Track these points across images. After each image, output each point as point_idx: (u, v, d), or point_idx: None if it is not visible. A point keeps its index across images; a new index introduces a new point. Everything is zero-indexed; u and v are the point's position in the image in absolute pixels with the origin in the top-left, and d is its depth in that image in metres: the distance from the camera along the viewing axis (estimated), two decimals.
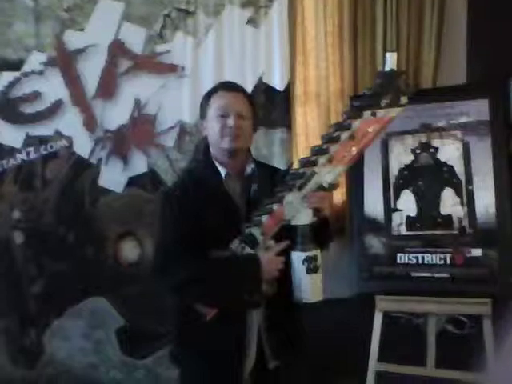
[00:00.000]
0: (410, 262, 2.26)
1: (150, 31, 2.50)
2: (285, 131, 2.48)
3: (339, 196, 2.83)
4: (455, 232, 2.23)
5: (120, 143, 2.52)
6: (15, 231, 2.60)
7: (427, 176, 2.29)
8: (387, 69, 1.43)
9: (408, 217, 2.29)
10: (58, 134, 2.55)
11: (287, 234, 1.43)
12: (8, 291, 2.60)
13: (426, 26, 2.58)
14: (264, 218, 1.41)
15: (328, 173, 1.40)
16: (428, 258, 2.24)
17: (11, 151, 2.56)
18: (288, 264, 1.44)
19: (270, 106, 2.46)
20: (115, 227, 2.54)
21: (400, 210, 2.31)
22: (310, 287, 1.42)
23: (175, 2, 2.49)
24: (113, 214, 2.54)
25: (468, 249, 2.20)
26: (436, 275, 2.23)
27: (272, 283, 1.44)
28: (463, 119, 2.30)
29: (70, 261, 2.57)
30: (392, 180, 2.34)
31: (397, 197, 2.32)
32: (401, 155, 2.35)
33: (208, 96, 1.54)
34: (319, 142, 2.79)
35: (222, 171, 1.50)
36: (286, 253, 1.44)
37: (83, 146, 2.54)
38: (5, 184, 2.59)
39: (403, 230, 2.29)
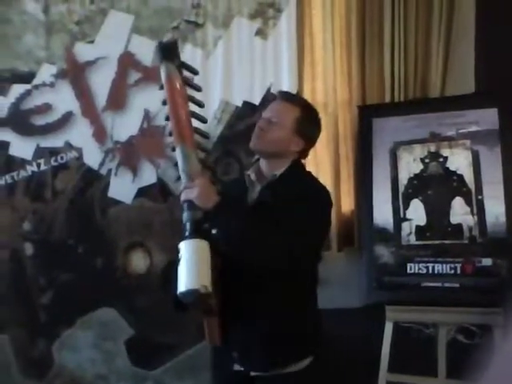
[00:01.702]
0: (420, 271, 2.25)
1: None
2: None
3: (348, 206, 2.83)
4: (465, 241, 2.22)
5: (129, 154, 2.54)
6: (25, 242, 2.62)
7: (437, 185, 2.29)
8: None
9: (417, 226, 2.29)
10: (68, 146, 2.57)
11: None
12: (18, 302, 2.61)
13: (434, 35, 2.58)
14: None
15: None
16: (438, 268, 2.23)
17: (22, 163, 2.59)
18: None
19: None
20: (124, 238, 2.55)
21: (409, 220, 2.30)
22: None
23: (184, 14, 2.51)
24: (122, 224, 2.55)
25: (478, 258, 2.19)
26: (446, 285, 2.22)
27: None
28: (472, 128, 2.30)
29: (80, 272, 2.58)
30: (401, 189, 2.34)
31: (406, 206, 2.32)
32: (410, 164, 2.35)
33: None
34: (327, 153, 2.81)
35: (251, 173, 1.58)
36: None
37: (93, 157, 2.56)
38: (15, 195, 2.61)
39: (413, 240, 2.29)
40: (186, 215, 1.41)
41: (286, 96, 1.61)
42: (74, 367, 2.60)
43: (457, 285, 2.20)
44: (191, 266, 1.32)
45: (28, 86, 2.59)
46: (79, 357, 2.59)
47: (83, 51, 2.56)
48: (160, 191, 2.52)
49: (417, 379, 2.23)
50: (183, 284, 1.30)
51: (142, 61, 2.53)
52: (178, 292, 1.31)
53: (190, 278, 1.31)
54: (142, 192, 2.54)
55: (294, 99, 1.62)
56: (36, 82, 2.58)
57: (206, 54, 2.50)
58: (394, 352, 2.26)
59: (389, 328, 2.26)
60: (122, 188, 2.54)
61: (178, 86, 1.49)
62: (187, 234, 1.38)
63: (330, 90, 2.72)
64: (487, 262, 2.18)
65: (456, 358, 2.25)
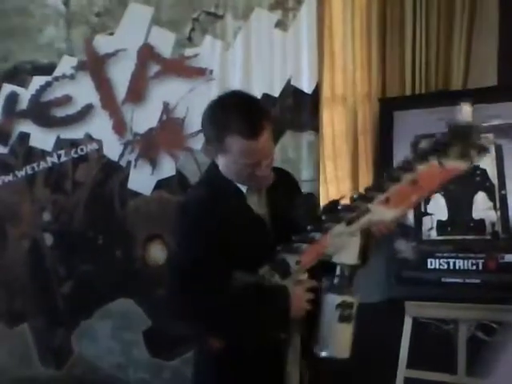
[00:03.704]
0: (441, 267, 2.23)
1: (179, 35, 2.52)
2: (313, 134, 2.47)
3: None
4: (488, 237, 2.19)
5: (149, 146, 2.54)
6: (45, 233, 2.65)
7: (459, 180, 2.25)
8: (462, 121, 1.32)
9: (439, 221, 2.26)
10: (88, 138, 2.58)
11: (323, 270, 1.28)
12: (38, 292, 2.65)
13: (457, 26, 2.54)
14: (303, 247, 1.25)
15: (384, 213, 1.27)
16: (460, 264, 2.20)
17: (42, 154, 2.61)
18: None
19: (298, 108, 2.45)
20: (143, 230, 2.56)
21: (430, 214, 2.27)
22: (338, 339, 1.24)
23: (204, 5, 2.50)
24: (141, 216, 2.56)
25: (501, 254, 2.16)
26: (468, 281, 2.19)
27: (298, 323, 1.27)
28: (495, 122, 2.26)
29: (99, 262, 2.60)
30: None
31: (427, 200, 2.28)
32: None
33: (219, 134, 1.26)
34: (346, 146, 2.79)
35: (242, 187, 1.33)
36: (316, 292, 1.28)
37: (113, 149, 2.57)
38: (36, 186, 2.63)
39: (434, 235, 2.26)
40: None
41: (256, 126, 1.25)
42: (93, 356, 2.63)
43: (478, 281, 2.17)
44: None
45: (48, 78, 2.60)
46: (98, 346, 2.62)
47: (103, 43, 2.56)
48: (179, 184, 2.52)
49: (436, 375, 2.22)
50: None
51: (162, 53, 2.52)
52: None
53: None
54: (161, 184, 2.55)
55: (263, 116, 1.28)
56: (56, 73, 2.59)
57: (225, 45, 2.49)
58: (413, 348, 2.24)
59: (408, 323, 2.24)
60: (142, 180, 2.55)
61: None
62: None
63: (350, 82, 2.69)
64: (510, 258, 2.14)
65: (475, 355, 2.23)
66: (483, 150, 1.34)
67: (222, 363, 1.32)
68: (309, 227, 1.27)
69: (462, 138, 1.30)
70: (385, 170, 2.42)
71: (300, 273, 1.27)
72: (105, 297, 2.59)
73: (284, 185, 1.39)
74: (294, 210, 1.34)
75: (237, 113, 1.26)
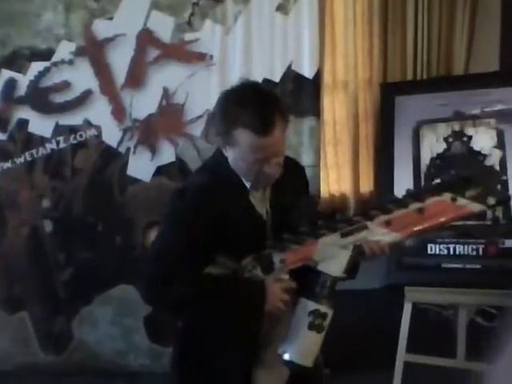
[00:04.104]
0: (441, 252, 2.23)
1: (179, 20, 2.49)
2: (314, 120, 2.45)
3: (367, 187, 2.80)
4: (488, 223, 2.19)
5: (148, 132, 2.53)
6: (45, 220, 2.64)
7: (460, 165, 2.25)
8: (489, 162, 1.32)
9: None
10: (87, 124, 2.56)
11: (306, 275, 1.24)
12: (37, 279, 2.64)
13: (459, 10, 2.52)
14: (292, 247, 1.24)
15: (381, 235, 1.23)
16: (460, 249, 2.20)
17: (41, 141, 2.59)
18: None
19: (299, 94, 2.43)
20: (143, 216, 2.56)
21: None
22: (302, 345, 1.22)
23: None
24: (141, 203, 2.55)
25: (501, 240, 2.16)
26: (468, 266, 2.20)
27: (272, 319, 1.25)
28: (497, 107, 2.25)
29: (99, 249, 2.60)
30: (423, 169, 2.30)
31: None
32: (433, 144, 2.31)
33: (229, 127, 1.20)
34: (347, 132, 2.77)
35: (248, 183, 1.28)
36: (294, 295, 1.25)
37: (112, 135, 2.55)
38: (35, 173, 2.62)
39: None
40: None
41: (270, 121, 1.18)
42: (93, 343, 2.63)
43: (478, 266, 2.18)
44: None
45: (47, 64, 2.57)
46: (98, 333, 2.62)
47: (102, 28, 2.53)
48: (178, 170, 2.51)
49: (435, 360, 2.22)
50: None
51: (161, 38, 2.50)
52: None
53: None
54: (160, 170, 2.53)
55: (276, 112, 1.20)
56: (55, 59, 2.56)
57: (225, 30, 2.46)
58: (413, 333, 2.25)
59: (407, 309, 2.25)
60: (141, 166, 2.54)
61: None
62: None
63: (351, 67, 2.67)
64: (510, 243, 2.15)
65: (474, 340, 2.24)
66: (502, 200, 1.29)
67: (194, 345, 1.32)
68: (302, 229, 1.25)
69: (485, 180, 1.28)
70: (386, 155, 2.43)
71: (282, 271, 1.25)
72: (105, 283, 2.59)
73: (291, 181, 1.33)
74: (294, 209, 1.30)
75: (250, 106, 1.19)
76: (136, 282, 2.51)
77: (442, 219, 1.25)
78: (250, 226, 1.27)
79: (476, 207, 1.24)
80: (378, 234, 1.23)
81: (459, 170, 2.24)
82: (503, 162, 2.18)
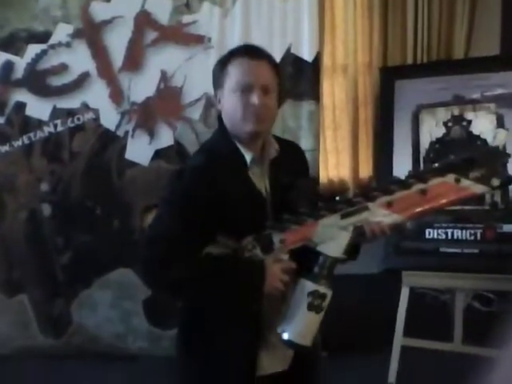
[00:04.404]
0: (439, 237, 2.23)
1: (177, 1, 2.46)
2: (313, 103, 2.43)
3: (366, 172, 2.79)
4: (487, 207, 2.19)
5: (146, 116, 2.51)
6: (43, 203, 2.64)
7: (459, 150, 2.24)
8: (493, 143, 1.29)
9: None
10: (85, 107, 2.55)
11: (307, 256, 1.24)
12: (36, 262, 2.65)
13: None
14: (291, 227, 1.23)
15: (382, 216, 1.22)
16: (458, 234, 2.21)
17: (39, 124, 2.58)
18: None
19: (298, 77, 2.41)
20: (141, 200, 2.55)
21: None
22: (301, 325, 1.22)
23: None
24: (139, 186, 2.55)
25: (499, 224, 2.16)
26: (465, 251, 2.20)
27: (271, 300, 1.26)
28: (497, 91, 2.24)
29: (97, 233, 2.60)
30: (422, 154, 2.30)
31: None
32: (432, 128, 2.30)
33: (225, 62, 1.28)
34: (346, 117, 2.76)
35: (247, 156, 1.28)
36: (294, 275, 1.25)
37: (110, 118, 2.54)
38: (33, 156, 2.61)
39: None
40: None
41: (260, 52, 1.30)
42: (92, 326, 2.64)
43: (476, 251, 2.18)
44: None
45: (44, 46, 2.55)
46: (97, 316, 2.63)
47: (99, 10, 2.51)
48: (177, 153, 2.50)
49: (432, 344, 2.24)
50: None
51: (159, 20, 2.47)
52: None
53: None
54: (158, 154, 2.52)
55: (267, 54, 1.31)
56: (52, 41, 2.54)
57: (224, 12, 2.43)
58: (410, 317, 2.26)
59: (405, 293, 2.26)
60: (139, 150, 2.53)
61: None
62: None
63: (351, 51, 2.65)
64: (509, 228, 2.15)
65: (471, 325, 2.25)
66: (507, 182, 1.26)
67: (196, 328, 1.33)
68: (302, 210, 1.24)
69: (489, 162, 1.23)
70: (385, 139, 2.42)
71: (282, 252, 1.24)
72: (104, 267, 2.60)
73: (290, 160, 1.35)
74: (294, 189, 1.30)
75: (242, 46, 1.34)
76: (135, 266, 2.54)
77: (445, 201, 1.22)
78: (249, 203, 1.26)
79: (480, 189, 1.22)
80: (379, 215, 1.22)
81: (459, 154, 2.24)
82: (502, 146, 2.18)
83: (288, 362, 1.34)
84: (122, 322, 2.61)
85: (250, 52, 1.29)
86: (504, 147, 1.22)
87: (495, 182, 1.22)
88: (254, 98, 1.24)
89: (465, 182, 1.21)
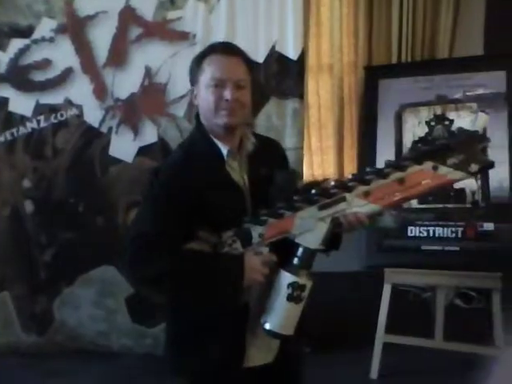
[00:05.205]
0: (421, 234, 2.25)
1: None
2: (297, 102, 2.43)
3: (350, 171, 2.80)
4: (468, 205, 2.21)
5: (130, 112, 2.50)
6: (26, 200, 2.61)
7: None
8: (472, 128, 1.21)
9: None
10: (69, 103, 2.53)
11: (287, 248, 1.25)
12: (19, 259, 2.63)
13: None
14: (269, 221, 1.24)
15: (360, 206, 1.22)
16: (439, 231, 2.23)
17: (21, 119, 2.56)
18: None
19: (283, 75, 2.41)
20: (125, 197, 2.54)
21: None
22: (281, 316, 1.24)
23: None
24: (123, 183, 2.54)
25: (480, 223, 2.19)
26: (447, 248, 2.22)
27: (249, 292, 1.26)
28: (480, 91, 2.26)
29: (80, 229, 2.58)
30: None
31: None
32: (415, 127, 2.32)
33: (200, 59, 1.32)
34: (331, 116, 2.77)
35: (223, 149, 1.29)
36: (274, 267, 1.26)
37: (93, 114, 2.52)
38: (15, 152, 2.59)
39: (415, 203, 2.27)
40: None
41: (233, 48, 1.33)
42: (75, 324, 2.63)
43: (457, 248, 2.20)
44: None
45: (27, 41, 2.53)
46: (80, 314, 2.62)
47: (83, 5, 2.49)
48: (161, 150, 2.49)
49: (413, 340, 2.26)
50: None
51: (144, 15, 2.46)
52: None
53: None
54: (142, 151, 2.51)
55: (240, 50, 1.34)
56: (35, 36, 2.52)
57: (209, 8, 2.43)
58: (392, 314, 2.28)
59: (387, 290, 2.27)
60: (123, 146, 2.52)
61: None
62: None
63: (336, 50, 2.66)
64: (489, 226, 2.17)
65: (453, 322, 2.28)
66: (486, 166, 1.23)
67: (182, 323, 1.33)
68: (280, 203, 1.24)
69: (467, 147, 1.20)
70: (369, 138, 2.43)
71: (261, 245, 1.25)
72: (87, 264, 2.58)
73: (268, 155, 1.36)
74: (272, 182, 1.31)
75: (216, 43, 1.41)
76: (118, 263, 2.53)
77: (423, 189, 1.21)
78: (227, 195, 1.27)
79: (458, 175, 1.21)
80: (357, 205, 1.22)
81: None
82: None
83: (273, 355, 1.35)
84: (105, 319, 2.60)
85: (224, 49, 1.33)
86: (484, 131, 1.20)
87: (474, 167, 1.20)
88: (227, 93, 1.27)
89: (442, 169, 1.20)
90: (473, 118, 1.27)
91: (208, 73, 1.29)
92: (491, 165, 1.22)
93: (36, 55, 2.53)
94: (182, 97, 2.46)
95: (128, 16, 2.46)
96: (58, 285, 2.62)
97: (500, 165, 2.16)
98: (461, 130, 1.26)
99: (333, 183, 1.24)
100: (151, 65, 2.47)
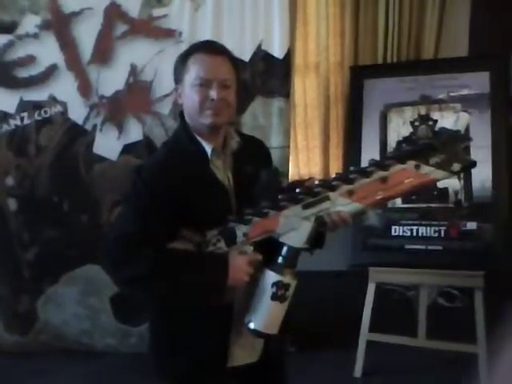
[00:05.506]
0: (405, 234, 2.27)
1: None
2: (283, 101, 2.43)
3: (336, 170, 2.82)
4: (451, 205, 2.23)
5: (115, 110, 2.48)
6: (9, 198, 2.58)
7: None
8: (455, 128, 1.22)
9: None
10: (53, 100, 2.50)
11: (271, 247, 1.25)
12: (2, 258, 2.59)
13: None
14: (254, 220, 1.24)
15: (343, 205, 1.22)
16: (423, 231, 2.25)
17: (5, 116, 2.52)
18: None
19: (269, 74, 2.41)
20: (109, 195, 2.52)
21: None
22: (265, 315, 1.24)
23: None
24: (107, 181, 2.51)
25: (463, 222, 2.21)
26: (430, 248, 2.24)
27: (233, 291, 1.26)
28: (463, 92, 2.29)
29: (65, 228, 2.56)
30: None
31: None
32: (399, 127, 2.33)
33: (184, 57, 1.31)
34: (318, 115, 2.78)
35: (208, 148, 1.29)
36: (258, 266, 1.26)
37: (78, 111, 2.49)
38: None
39: (398, 203, 2.29)
40: None
41: (218, 48, 1.32)
42: (59, 323, 2.61)
43: (440, 247, 2.22)
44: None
45: (10, 37, 2.49)
46: (64, 313, 2.59)
47: (68, 1, 2.46)
48: (146, 148, 2.48)
49: (397, 339, 2.28)
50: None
51: (129, 12, 2.44)
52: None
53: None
54: (127, 149, 2.49)
55: (225, 49, 1.33)
56: (19, 32, 2.49)
57: (195, 6, 2.42)
58: (376, 313, 2.29)
59: (371, 289, 2.29)
60: (108, 144, 2.49)
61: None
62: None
63: (322, 49, 2.67)
64: (472, 225, 2.20)
65: (436, 320, 2.30)
66: (468, 166, 1.24)
67: (167, 322, 1.33)
68: (265, 202, 1.25)
69: (449, 146, 1.21)
70: (354, 138, 2.44)
71: (245, 244, 1.25)
72: (71, 263, 2.56)
73: (252, 154, 1.36)
74: (257, 181, 1.31)
75: (200, 42, 1.38)
76: (102, 262, 2.51)
77: (406, 188, 1.23)
78: (211, 194, 1.27)
79: (440, 174, 1.22)
80: (340, 204, 1.23)
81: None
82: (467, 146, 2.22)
83: (258, 354, 1.35)
84: (89, 318, 2.58)
85: (209, 47, 1.31)
86: (466, 130, 1.20)
87: (456, 167, 1.22)
88: (213, 93, 1.26)
89: (425, 169, 1.21)
90: (455, 117, 1.29)
91: (193, 72, 1.28)
92: (473, 164, 1.24)
93: (20, 51, 2.49)
94: (168, 95, 2.44)
95: (113, 13, 2.44)
96: (42, 284, 2.59)
97: (483, 165, 2.18)
98: (443, 129, 1.27)
99: (317, 182, 1.25)
100: (136, 62, 2.45)
